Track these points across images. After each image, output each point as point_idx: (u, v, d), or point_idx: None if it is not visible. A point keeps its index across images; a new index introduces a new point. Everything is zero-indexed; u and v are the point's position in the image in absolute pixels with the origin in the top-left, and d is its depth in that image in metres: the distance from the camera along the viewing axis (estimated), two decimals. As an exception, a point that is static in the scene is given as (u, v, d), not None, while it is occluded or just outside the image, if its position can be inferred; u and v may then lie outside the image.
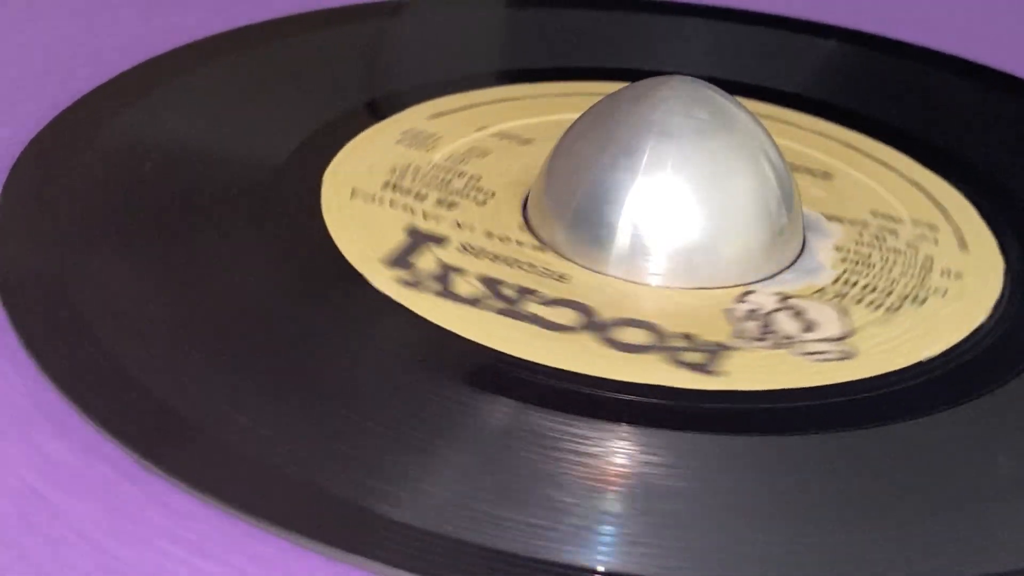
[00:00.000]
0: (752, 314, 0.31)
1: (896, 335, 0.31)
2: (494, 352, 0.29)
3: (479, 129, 0.37)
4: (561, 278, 0.32)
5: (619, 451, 0.27)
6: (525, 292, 0.31)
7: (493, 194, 0.35)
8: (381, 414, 0.28)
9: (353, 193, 0.34)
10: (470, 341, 0.29)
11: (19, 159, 0.34)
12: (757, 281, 0.32)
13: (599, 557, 0.25)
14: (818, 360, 0.30)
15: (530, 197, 0.34)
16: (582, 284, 0.32)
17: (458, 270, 0.32)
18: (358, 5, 0.43)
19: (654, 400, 0.29)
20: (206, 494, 0.25)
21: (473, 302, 0.31)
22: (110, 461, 0.26)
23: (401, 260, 0.32)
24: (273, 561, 0.25)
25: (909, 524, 0.26)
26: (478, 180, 0.35)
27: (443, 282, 0.31)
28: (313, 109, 0.37)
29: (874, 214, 0.35)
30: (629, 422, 0.28)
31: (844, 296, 0.32)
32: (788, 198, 0.33)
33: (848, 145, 0.38)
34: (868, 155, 0.38)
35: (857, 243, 0.34)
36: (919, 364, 0.30)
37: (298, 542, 0.25)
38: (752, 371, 0.29)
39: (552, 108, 0.38)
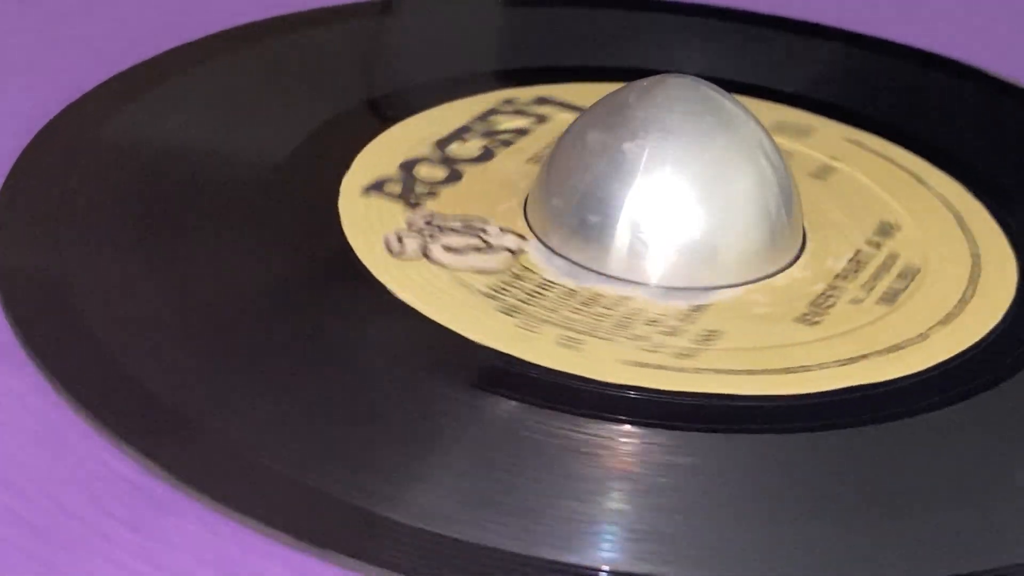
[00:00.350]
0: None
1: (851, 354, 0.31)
2: (493, 351, 0.29)
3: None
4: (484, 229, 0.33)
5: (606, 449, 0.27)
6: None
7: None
8: (381, 414, 0.28)
9: (370, 188, 0.35)
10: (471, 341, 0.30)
11: (19, 159, 0.34)
12: (747, 283, 0.32)
13: (600, 556, 0.25)
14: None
15: (530, 196, 0.34)
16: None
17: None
18: (358, 4, 0.43)
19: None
20: (206, 494, 0.25)
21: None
22: (110, 460, 0.26)
23: (377, 186, 0.34)
24: (272, 562, 0.25)
25: (909, 524, 0.26)
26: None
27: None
28: (318, 107, 0.37)
29: (883, 230, 0.35)
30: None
31: (821, 305, 0.32)
32: (787, 199, 0.33)
33: (895, 163, 0.38)
34: (917, 178, 0.37)
35: (855, 258, 0.34)
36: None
37: (297, 543, 0.25)
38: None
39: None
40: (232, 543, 0.25)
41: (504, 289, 0.31)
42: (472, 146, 0.36)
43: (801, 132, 0.38)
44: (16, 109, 0.36)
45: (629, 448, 0.28)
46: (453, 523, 0.25)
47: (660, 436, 0.28)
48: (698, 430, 0.28)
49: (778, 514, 0.27)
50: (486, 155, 0.36)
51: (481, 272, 0.32)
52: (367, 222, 0.33)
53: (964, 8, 0.48)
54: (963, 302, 0.32)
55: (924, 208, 0.36)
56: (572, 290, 0.32)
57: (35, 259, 0.31)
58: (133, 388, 0.27)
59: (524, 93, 0.39)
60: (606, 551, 0.25)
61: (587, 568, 0.25)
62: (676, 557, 0.25)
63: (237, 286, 0.31)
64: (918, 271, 0.33)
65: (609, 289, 0.32)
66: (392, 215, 0.33)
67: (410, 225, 0.33)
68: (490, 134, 0.37)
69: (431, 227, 0.33)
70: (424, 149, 0.36)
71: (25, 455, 0.26)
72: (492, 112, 0.38)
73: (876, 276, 0.33)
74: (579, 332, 0.30)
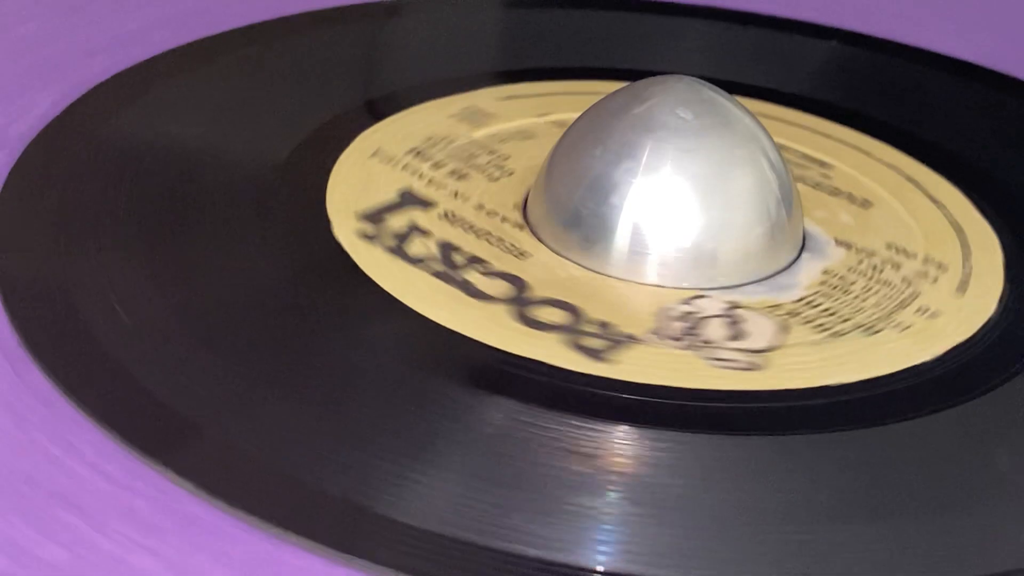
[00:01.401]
0: (686, 316, 0.31)
1: (817, 358, 0.30)
2: (418, 316, 0.30)
3: (539, 115, 0.38)
4: (521, 255, 0.32)
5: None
6: (474, 261, 0.32)
7: (511, 173, 0.35)
8: (382, 414, 0.28)
9: (375, 153, 0.35)
10: (402, 303, 0.30)
11: (19, 159, 0.34)
12: (732, 287, 0.32)
13: (598, 556, 0.25)
14: (721, 366, 0.30)
15: (529, 196, 0.34)
16: (537, 263, 0.32)
17: (424, 232, 0.32)
18: (359, 6, 0.43)
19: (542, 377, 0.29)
20: (205, 493, 0.25)
21: (416, 262, 0.31)
22: (110, 460, 0.26)
23: (375, 216, 0.33)
24: (271, 561, 0.25)
25: (909, 524, 0.27)
26: (505, 159, 0.36)
27: (400, 240, 0.32)
28: (315, 108, 0.37)
29: (889, 246, 0.34)
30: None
31: (797, 315, 0.32)
32: (787, 200, 0.33)
33: (898, 170, 0.37)
34: (916, 183, 0.37)
35: (850, 270, 0.33)
36: (821, 388, 0.29)
37: (296, 542, 0.25)
38: (643, 365, 0.29)
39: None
40: (231, 543, 0.25)
41: (454, 255, 0.32)
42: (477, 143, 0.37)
43: (817, 137, 0.38)
44: (16, 109, 0.36)
45: (628, 448, 0.28)
46: (453, 523, 0.25)
47: (659, 436, 0.28)
48: (696, 431, 0.28)
49: (778, 515, 0.27)
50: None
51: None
52: (365, 181, 0.33)
53: (965, 9, 0.48)
54: (913, 340, 0.31)
55: (946, 246, 0.35)
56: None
57: (35, 259, 0.31)
58: (133, 387, 0.27)
59: (539, 88, 0.39)
60: (605, 551, 0.25)
61: (587, 569, 0.25)
62: (676, 557, 0.25)
63: (237, 286, 0.31)
64: (916, 275, 0.33)
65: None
66: (392, 180, 0.34)
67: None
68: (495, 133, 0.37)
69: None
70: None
71: (24, 454, 0.26)
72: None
73: (845, 303, 0.32)
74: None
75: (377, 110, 0.38)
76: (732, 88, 0.34)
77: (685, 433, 0.28)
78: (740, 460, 0.28)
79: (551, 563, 0.25)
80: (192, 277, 0.31)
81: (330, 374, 0.29)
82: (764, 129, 0.34)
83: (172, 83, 0.38)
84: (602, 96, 0.34)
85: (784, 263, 0.33)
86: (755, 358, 0.30)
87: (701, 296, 0.32)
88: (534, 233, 0.33)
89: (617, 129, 0.33)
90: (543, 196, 0.33)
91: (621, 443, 0.28)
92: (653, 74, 0.34)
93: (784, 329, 0.31)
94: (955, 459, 0.28)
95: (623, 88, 0.34)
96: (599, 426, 0.28)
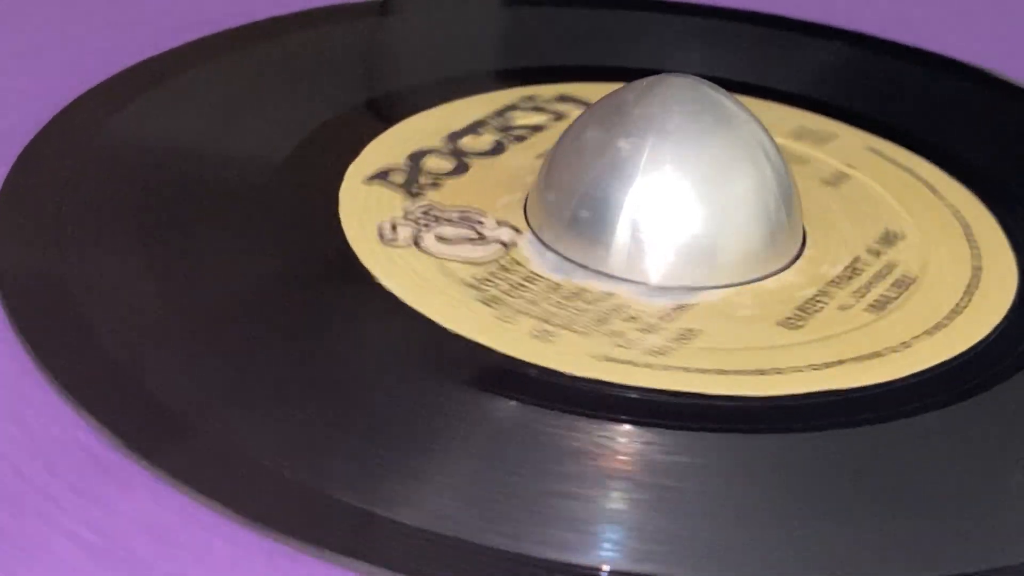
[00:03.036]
0: (680, 310, 0.31)
1: (819, 359, 0.30)
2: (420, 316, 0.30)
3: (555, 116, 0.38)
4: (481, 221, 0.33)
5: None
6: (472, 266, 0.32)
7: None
8: (382, 414, 0.28)
9: (374, 176, 0.35)
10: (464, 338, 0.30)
11: (19, 159, 0.34)
12: (738, 284, 0.32)
13: (601, 556, 0.25)
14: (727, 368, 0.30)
15: (529, 196, 0.34)
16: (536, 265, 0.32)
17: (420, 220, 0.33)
18: (358, 5, 0.43)
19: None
20: (205, 495, 0.25)
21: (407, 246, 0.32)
22: (110, 460, 0.26)
23: (382, 175, 0.34)
24: (271, 562, 0.25)
25: (907, 524, 0.27)
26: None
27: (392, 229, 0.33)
28: (315, 108, 0.37)
29: (888, 248, 0.34)
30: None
31: (799, 313, 0.32)
32: (787, 200, 0.33)
33: (905, 168, 0.38)
34: (921, 179, 0.37)
35: (851, 270, 0.33)
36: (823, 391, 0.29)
37: (296, 544, 0.25)
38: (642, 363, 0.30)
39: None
40: (231, 543, 0.25)
41: (488, 280, 0.31)
42: (484, 140, 0.37)
43: (822, 139, 0.38)
44: (16, 108, 0.36)
45: (628, 447, 0.28)
46: (453, 523, 0.25)
47: (658, 436, 0.28)
48: (694, 429, 0.28)
49: (773, 516, 0.27)
50: (496, 149, 0.36)
51: (469, 263, 0.32)
52: (367, 214, 0.33)
53: (966, 9, 0.48)
54: (954, 313, 0.32)
55: (933, 218, 0.35)
56: (557, 284, 0.32)
57: (35, 259, 0.31)
58: (133, 387, 0.27)
59: (546, 91, 0.39)
60: (606, 551, 0.25)
61: (587, 568, 0.25)
62: (676, 557, 0.25)
63: (237, 286, 0.31)
64: (914, 281, 0.33)
65: (595, 285, 0.32)
66: (392, 204, 0.33)
67: (407, 214, 0.33)
68: (505, 129, 0.37)
69: (428, 217, 0.33)
70: (435, 141, 0.36)
71: (25, 455, 0.26)
72: (511, 108, 0.38)
73: (870, 284, 0.33)
74: (555, 325, 0.30)
75: (380, 114, 0.38)
76: (732, 88, 0.34)
77: (686, 432, 0.28)
78: (741, 459, 0.28)
79: (552, 563, 0.25)
80: (192, 277, 0.31)
81: (329, 374, 0.29)
82: (764, 129, 0.34)
83: (172, 83, 0.38)
84: (602, 96, 0.34)
85: (784, 262, 0.33)
86: (755, 358, 0.30)
87: (699, 292, 0.32)
88: (534, 233, 0.33)
89: (617, 128, 0.33)
90: (543, 196, 0.33)
91: (621, 441, 0.28)
92: (653, 74, 0.34)
93: (785, 328, 0.31)
94: (955, 459, 0.28)
95: (623, 87, 0.34)
96: (598, 425, 0.28)
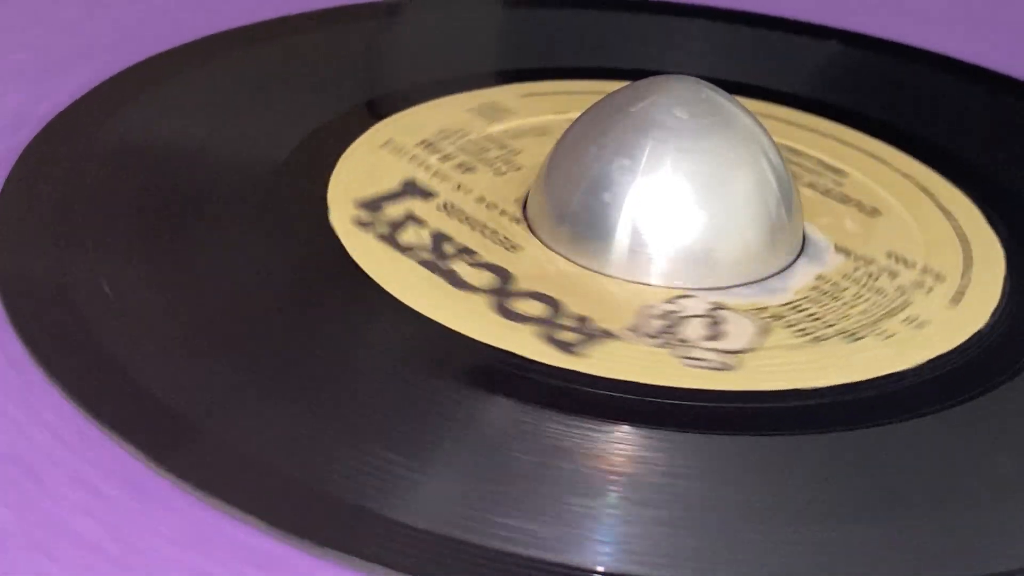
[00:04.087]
0: (667, 314, 0.31)
1: (790, 361, 0.30)
2: (398, 303, 0.30)
3: (557, 112, 0.38)
4: (513, 248, 0.32)
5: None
6: (463, 251, 0.32)
7: (519, 168, 0.35)
8: (382, 414, 0.28)
9: (386, 143, 0.35)
10: (383, 289, 0.30)
11: (19, 159, 0.34)
12: (721, 288, 0.32)
13: (599, 557, 0.25)
14: (692, 365, 0.30)
15: (530, 196, 0.34)
16: (526, 256, 0.32)
17: (419, 222, 0.33)
18: (360, 4, 0.43)
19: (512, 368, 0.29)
20: (206, 494, 0.25)
21: (405, 250, 0.31)
22: (110, 461, 0.26)
23: (374, 204, 0.33)
24: (272, 561, 0.25)
25: (908, 524, 0.27)
26: (516, 154, 0.36)
27: (394, 228, 0.32)
28: (315, 108, 0.37)
29: (889, 255, 0.34)
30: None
31: (781, 318, 0.31)
32: (787, 200, 0.33)
33: (910, 178, 0.37)
34: (929, 193, 0.37)
35: (845, 276, 0.33)
36: (791, 391, 0.29)
37: (296, 542, 0.25)
38: (613, 360, 0.29)
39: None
40: (230, 542, 0.25)
41: (445, 245, 0.32)
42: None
43: (823, 139, 0.38)
44: (16, 109, 0.36)
45: (626, 447, 0.28)
46: (453, 523, 0.25)
47: (657, 436, 0.28)
48: (695, 431, 0.28)
49: (773, 516, 0.27)
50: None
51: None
52: (371, 170, 0.33)
53: (966, 9, 0.48)
54: (894, 349, 0.31)
55: (948, 255, 0.34)
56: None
57: (36, 259, 0.31)
58: (133, 388, 0.27)
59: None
60: (605, 551, 0.25)
61: (587, 569, 0.25)
62: (676, 557, 0.25)
63: (237, 286, 0.31)
64: (883, 313, 0.32)
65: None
66: (396, 170, 0.34)
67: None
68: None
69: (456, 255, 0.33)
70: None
71: (25, 455, 0.26)
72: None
73: (832, 308, 0.32)
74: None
75: (390, 103, 0.38)
76: (732, 88, 0.34)
77: (659, 430, 0.28)
78: (713, 459, 0.28)
79: (550, 563, 0.25)
80: (192, 277, 0.31)
81: (330, 374, 0.29)
82: (764, 129, 0.34)
83: (172, 83, 0.38)
84: (602, 95, 0.34)
85: (781, 265, 0.33)
86: (729, 359, 0.30)
87: (687, 296, 0.32)
88: (531, 229, 0.33)
89: (617, 128, 0.33)
90: (542, 193, 0.33)
91: (595, 440, 0.28)
92: (653, 74, 0.34)
93: (764, 331, 0.31)
94: (957, 459, 0.28)
95: (623, 88, 0.34)
96: (576, 422, 0.28)
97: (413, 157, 0.35)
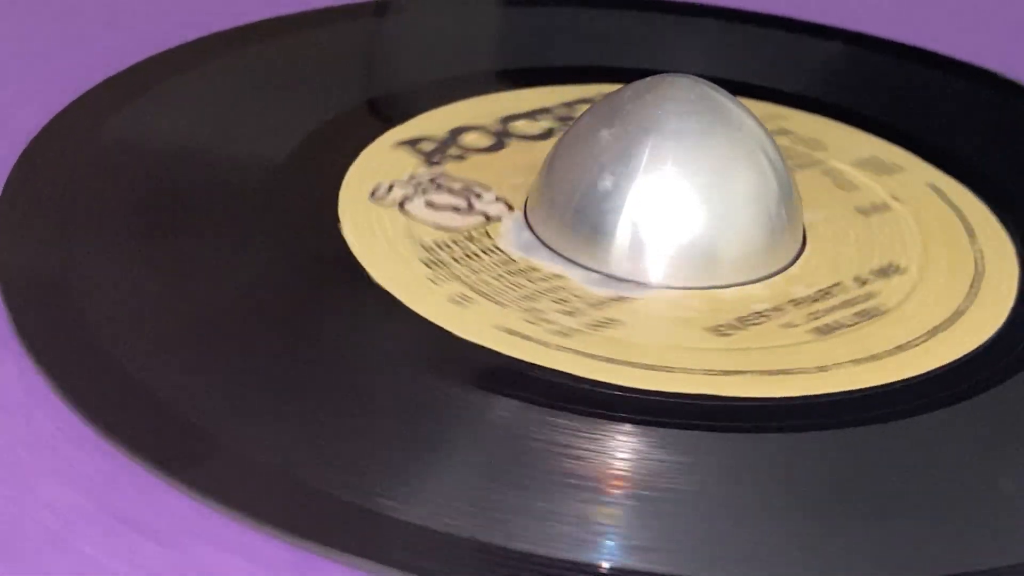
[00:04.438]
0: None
1: (833, 359, 0.30)
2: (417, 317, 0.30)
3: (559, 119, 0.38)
4: (514, 261, 0.32)
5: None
6: (470, 257, 0.32)
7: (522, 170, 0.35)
8: (382, 414, 0.28)
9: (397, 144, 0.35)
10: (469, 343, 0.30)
11: (19, 159, 0.34)
12: (744, 283, 0.32)
13: (602, 555, 0.25)
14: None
15: (530, 196, 0.34)
16: (536, 262, 0.32)
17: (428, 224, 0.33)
18: (358, 5, 0.43)
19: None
20: (206, 495, 0.25)
21: (420, 251, 0.32)
22: (110, 462, 0.26)
23: (413, 142, 0.34)
24: (273, 561, 0.25)
25: (906, 524, 0.27)
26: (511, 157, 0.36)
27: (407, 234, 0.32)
28: (315, 108, 0.37)
29: (889, 249, 0.34)
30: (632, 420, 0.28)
31: (807, 314, 0.32)
32: (788, 199, 0.33)
33: (929, 184, 0.37)
34: (929, 184, 0.37)
35: (850, 268, 0.33)
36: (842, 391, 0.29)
37: (297, 542, 0.25)
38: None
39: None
40: (231, 545, 0.25)
41: (446, 246, 0.32)
42: (538, 126, 0.37)
43: (886, 170, 0.38)
44: (16, 109, 0.36)
45: (626, 447, 0.28)
46: (453, 523, 0.25)
47: (656, 434, 0.28)
48: (685, 428, 0.28)
49: (773, 516, 0.27)
50: (544, 135, 0.36)
51: (441, 228, 0.32)
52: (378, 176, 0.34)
53: (966, 9, 0.48)
54: (899, 349, 0.31)
55: (950, 260, 0.34)
56: (511, 260, 0.32)
57: (36, 259, 0.31)
58: (133, 389, 0.27)
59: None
60: (606, 550, 0.25)
61: (587, 566, 0.25)
62: (676, 557, 0.25)
63: (236, 286, 0.31)
64: (881, 313, 0.32)
65: (547, 266, 0.32)
66: (405, 170, 0.34)
67: (412, 178, 0.33)
68: (565, 119, 0.37)
69: (431, 184, 0.33)
70: (487, 120, 0.36)
71: (25, 456, 0.26)
72: (583, 101, 0.38)
73: (832, 309, 0.32)
74: (477, 293, 0.31)
75: (380, 113, 0.38)
76: (732, 88, 0.34)
77: (690, 432, 0.28)
78: (747, 459, 0.28)
79: (553, 561, 0.25)
80: (192, 277, 0.31)
81: (330, 374, 0.29)
82: (764, 129, 0.34)
83: (172, 83, 0.38)
84: (602, 96, 0.34)
85: (785, 262, 0.33)
86: (653, 354, 0.30)
87: (649, 289, 0.32)
88: (534, 232, 0.33)
89: (617, 128, 0.33)
90: (543, 195, 0.33)
91: (624, 442, 0.28)
92: (653, 74, 0.34)
93: (712, 334, 0.31)
94: (957, 459, 0.28)
95: (624, 88, 0.34)
96: (603, 425, 0.28)
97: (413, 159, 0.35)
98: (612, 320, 0.31)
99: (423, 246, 0.32)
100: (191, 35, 0.40)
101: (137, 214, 0.32)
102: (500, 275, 0.31)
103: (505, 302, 0.31)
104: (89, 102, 0.36)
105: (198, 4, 0.42)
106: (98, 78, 0.37)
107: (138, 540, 0.25)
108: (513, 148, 0.36)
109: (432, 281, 0.31)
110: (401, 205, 0.33)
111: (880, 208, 0.36)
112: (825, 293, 0.32)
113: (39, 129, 0.35)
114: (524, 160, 0.35)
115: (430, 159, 0.35)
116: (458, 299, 0.30)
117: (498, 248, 0.32)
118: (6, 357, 0.28)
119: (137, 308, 0.30)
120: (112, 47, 0.39)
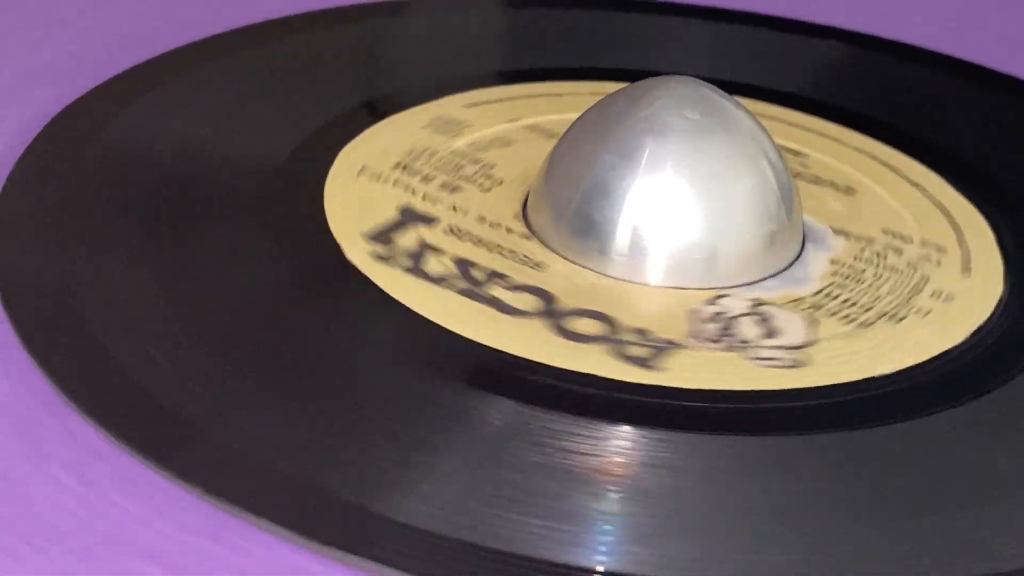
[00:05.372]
0: (716, 316, 0.31)
1: (856, 349, 0.31)
2: (452, 334, 0.30)
3: (510, 120, 0.38)
4: (537, 266, 0.32)
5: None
6: (494, 276, 0.32)
7: (501, 182, 0.35)
8: (382, 413, 0.28)
9: (362, 170, 0.35)
10: (437, 325, 0.30)
11: (19, 159, 0.34)
12: (748, 284, 0.32)
13: (599, 557, 0.25)
14: (766, 365, 0.30)
15: (530, 196, 0.34)
16: (555, 273, 0.32)
17: (436, 249, 0.32)
18: (360, 5, 0.43)
19: (592, 390, 0.29)
20: (206, 494, 0.25)
21: (438, 280, 0.31)
22: (108, 461, 0.26)
23: (383, 236, 0.32)
24: (272, 561, 0.25)
25: (908, 524, 0.27)
26: (491, 168, 0.36)
27: (415, 259, 0.32)
28: (315, 108, 0.37)
29: (885, 231, 0.35)
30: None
31: (820, 308, 0.32)
32: (788, 200, 0.33)
33: (872, 156, 0.38)
34: (892, 168, 0.37)
35: (856, 258, 0.34)
36: (871, 379, 0.30)
37: (297, 542, 0.25)
38: (694, 370, 0.29)
39: (579, 105, 0.38)
40: (231, 544, 0.25)
41: (473, 270, 0.32)
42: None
43: (810, 135, 0.38)
44: (16, 109, 0.36)
45: (626, 447, 0.28)
46: (453, 523, 0.25)
47: (658, 435, 0.28)
48: (692, 430, 0.28)
49: (774, 516, 0.27)
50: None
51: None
52: (362, 201, 0.33)
53: (966, 9, 0.48)
54: (940, 324, 0.32)
55: (938, 227, 0.35)
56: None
57: (36, 259, 0.31)
58: (132, 388, 0.27)
59: (567, 88, 0.39)
60: (605, 551, 0.25)
61: (587, 568, 0.25)
62: (676, 556, 0.25)
63: (236, 286, 0.31)
64: (909, 290, 0.33)
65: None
66: (388, 197, 0.34)
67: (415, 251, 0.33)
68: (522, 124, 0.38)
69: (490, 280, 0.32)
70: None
71: (25, 456, 0.26)
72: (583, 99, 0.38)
73: (862, 292, 0.32)
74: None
75: (363, 116, 0.38)
76: (732, 88, 0.34)
77: (693, 434, 0.28)
78: (765, 460, 0.28)
79: (553, 564, 0.25)
80: (192, 277, 0.31)
81: (329, 374, 0.29)
82: (764, 129, 0.34)
83: (172, 83, 0.38)
84: (600, 97, 0.34)
85: (788, 260, 0.33)
86: (797, 355, 0.30)
87: (723, 295, 0.32)
88: (540, 240, 0.33)
89: (617, 130, 0.33)
90: (544, 200, 0.33)
91: (658, 449, 0.28)
92: (653, 74, 0.34)
93: (813, 323, 0.31)
94: (957, 459, 0.28)
95: (623, 89, 0.34)
96: (626, 430, 0.28)
97: (396, 182, 0.35)
98: (776, 328, 0.31)
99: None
100: (191, 35, 0.40)
101: (136, 214, 0.32)
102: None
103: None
104: (89, 102, 0.36)
105: (198, 4, 0.42)
106: (98, 78, 0.37)
107: (138, 539, 0.25)
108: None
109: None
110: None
111: (851, 190, 0.36)
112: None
113: (39, 129, 0.35)
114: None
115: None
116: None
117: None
118: (5, 357, 0.28)
119: (137, 307, 0.30)
120: (112, 47, 0.39)
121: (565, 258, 0.32)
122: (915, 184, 0.37)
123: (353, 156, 0.35)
